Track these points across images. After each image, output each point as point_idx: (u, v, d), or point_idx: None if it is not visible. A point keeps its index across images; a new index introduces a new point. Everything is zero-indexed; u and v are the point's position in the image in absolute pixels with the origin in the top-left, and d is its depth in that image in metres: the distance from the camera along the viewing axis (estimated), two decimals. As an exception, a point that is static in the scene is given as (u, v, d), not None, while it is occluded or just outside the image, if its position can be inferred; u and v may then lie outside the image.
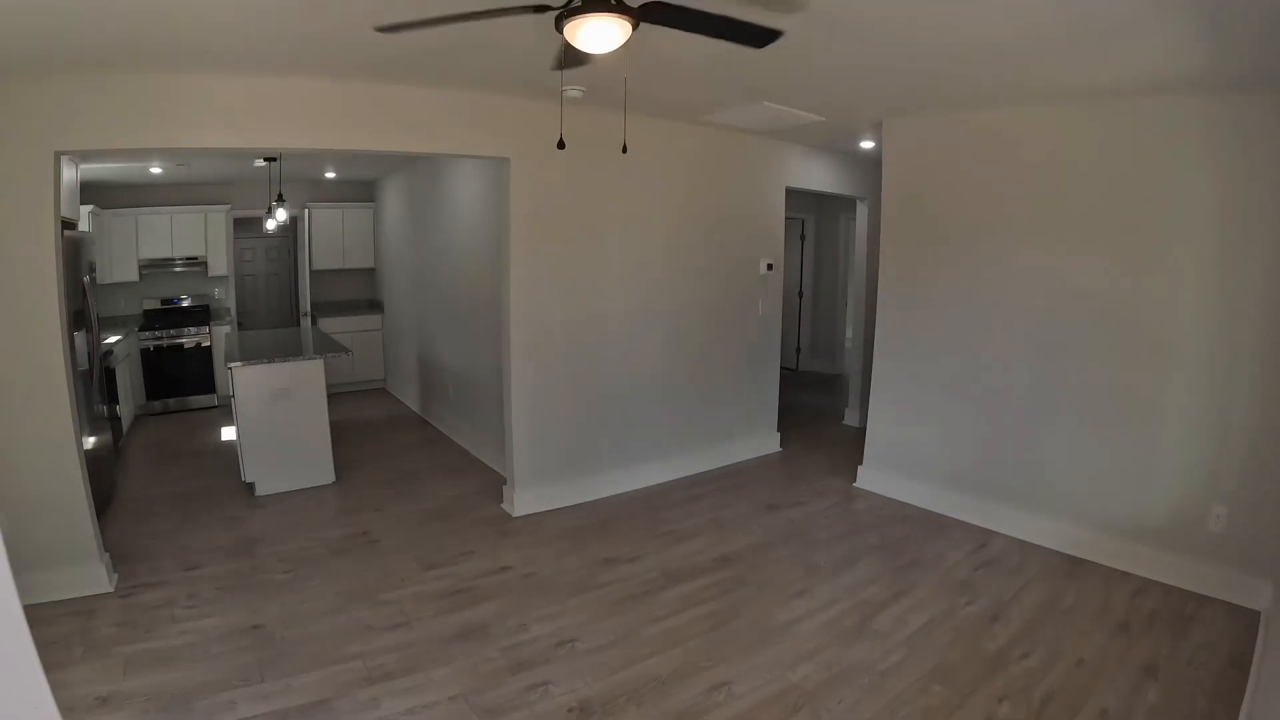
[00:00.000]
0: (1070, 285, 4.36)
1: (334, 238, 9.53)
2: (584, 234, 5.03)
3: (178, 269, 8.53)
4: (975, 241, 4.80)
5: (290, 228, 9.28)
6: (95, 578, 3.79)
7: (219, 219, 8.64)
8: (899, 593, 3.91)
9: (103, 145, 3.61)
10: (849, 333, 10.56)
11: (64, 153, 3.58)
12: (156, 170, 7.31)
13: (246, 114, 3.83)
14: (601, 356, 5.23)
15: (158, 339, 8.13)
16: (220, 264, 8.69)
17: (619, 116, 4.97)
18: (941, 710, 2.89)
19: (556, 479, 5.10)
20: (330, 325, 9.06)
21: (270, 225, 7.73)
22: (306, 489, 5.43)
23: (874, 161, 6.96)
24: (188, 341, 8.27)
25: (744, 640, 3.43)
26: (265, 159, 7.06)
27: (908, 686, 3.06)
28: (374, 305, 9.92)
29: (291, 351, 5.65)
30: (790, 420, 7.14)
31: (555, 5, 2.42)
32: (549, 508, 5.05)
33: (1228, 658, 3.28)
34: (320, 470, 5.54)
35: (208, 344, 8.35)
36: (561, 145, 3.12)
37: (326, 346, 5.96)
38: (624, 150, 3.41)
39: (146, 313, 8.51)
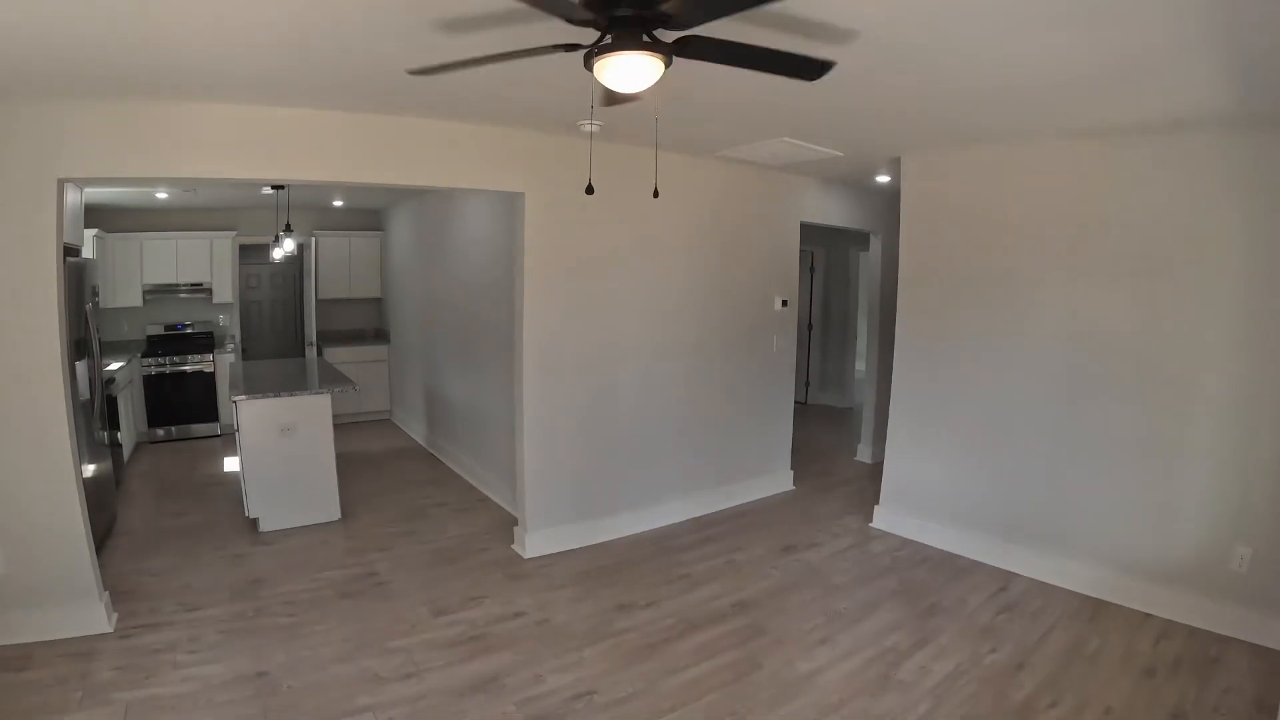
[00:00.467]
0: (1092, 323, 4.30)
1: (341, 266, 9.48)
2: (598, 269, 4.96)
3: (182, 295, 8.48)
4: (996, 279, 4.74)
5: (296, 255, 9.23)
6: (94, 617, 3.67)
7: (224, 245, 8.58)
8: (922, 640, 3.79)
9: (108, 173, 3.54)
10: (859, 365, 10.51)
11: (68, 180, 3.51)
12: (162, 195, 7.26)
13: (256, 145, 3.77)
14: (615, 394, 5.14)
15: (160, 365, 8.05)
16: (225, 290, 8.63)
17: (635, 150, 4.95)
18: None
19: (568, 519, 4.99)
20: (336, 355, 8.98)
21: (277, 255, 7.66)
22: (311, 526, 5.31)
23: (888, 195, 6.93)
24: (191, 369, 8.20)
25: (767, 693, 3.31)
26: (273, 186, 7.00)
27: (938, 743, 2.95)
28: (380, 335, 9.84)
29: (297, 385, 5.56)
30: (802, 456, 7.03)
31: (585, 43, 2.35)
32: (561, 549, 4.92)
33: (1254, 700, 3.21)
34: (326, 507, 5.42)
35: (211, 371, 8.26)
36: (590, 190, 3.03)
37: (333, 380, 5.87)
38: (655, 195, 3.31)
39: (150, 338, 8.45)
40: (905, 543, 5.19)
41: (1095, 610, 4.13)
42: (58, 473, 3.55)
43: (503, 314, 5.55)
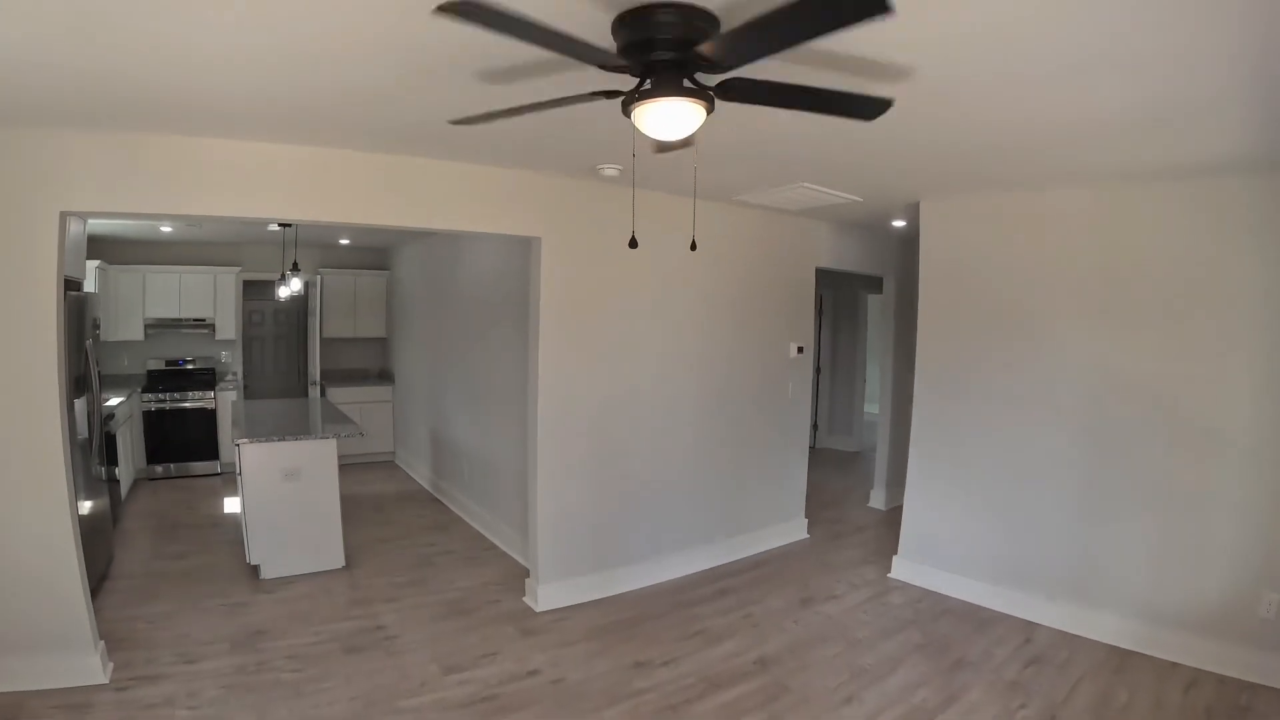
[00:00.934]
0: (1117, 370, 4.23)
1: (346, 305, 9.40)
2: (614, 316, 4.88)
3: (184, 330, 8.40)
4: (1017, 325, 4.68)
5: (301, 293, 9.15)
6: (89, 667, 3.52)
7: (229, 281, 8.51)
8: (950, 697, 3.66)
9: (113, 208, 3.46)
10: (868, 408, 10.41)
11: (70, 213, 3.42)
12: (167, 229, 7.20)
13: (265, 183, 3.69)
14: (630, 442, 5.03)
15: (161, 401, 7.95)
16: (228, 327, 8.53)
17: (653, 195, 4.91)
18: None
19: (581, 571, 4.84)
20: (339, 395, 8.86)
21: (284, 293, 7.58)
22: (315, 574, 5.16)
23: (902, 239, 6.90)
24: (191, 405, 8.09)
25: (796, 760, 3.16)
26: (280, 224, 6.93)
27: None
28: (384, 376, 9.74)
29: (301, 428, 5.44)
30: (814, 502, 6.89)
31: (625, 90, 2.26)
32: (574, 602, 4.76)
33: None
34: (330, 554, 5.27)
35: (212, 408, 8.15)
36: (634, 244, 2.92)
37: (338, 423, 5.75)
38: (693, 247, 3.22)
39: (150, 373, 8.35)
40: (925, 593, 5.05)
41: (1123, 661, 4.02)
42: (54, 517, 3.43)
43: (514, 357, 5.46)
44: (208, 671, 3.72)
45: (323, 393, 8.97)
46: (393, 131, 3.48)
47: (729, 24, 2.18)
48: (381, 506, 7.15)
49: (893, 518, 6.65)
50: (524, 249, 4.90)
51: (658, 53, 2.13)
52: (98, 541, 4.75)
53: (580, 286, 4.70)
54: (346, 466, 8.22)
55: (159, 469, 7.94)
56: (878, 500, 7.33)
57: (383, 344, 9.93)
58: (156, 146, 3.43)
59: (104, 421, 5.63)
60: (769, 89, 2.29)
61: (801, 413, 6.27)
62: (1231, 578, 3.85)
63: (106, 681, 3.54)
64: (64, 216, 3.36)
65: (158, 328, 8.21)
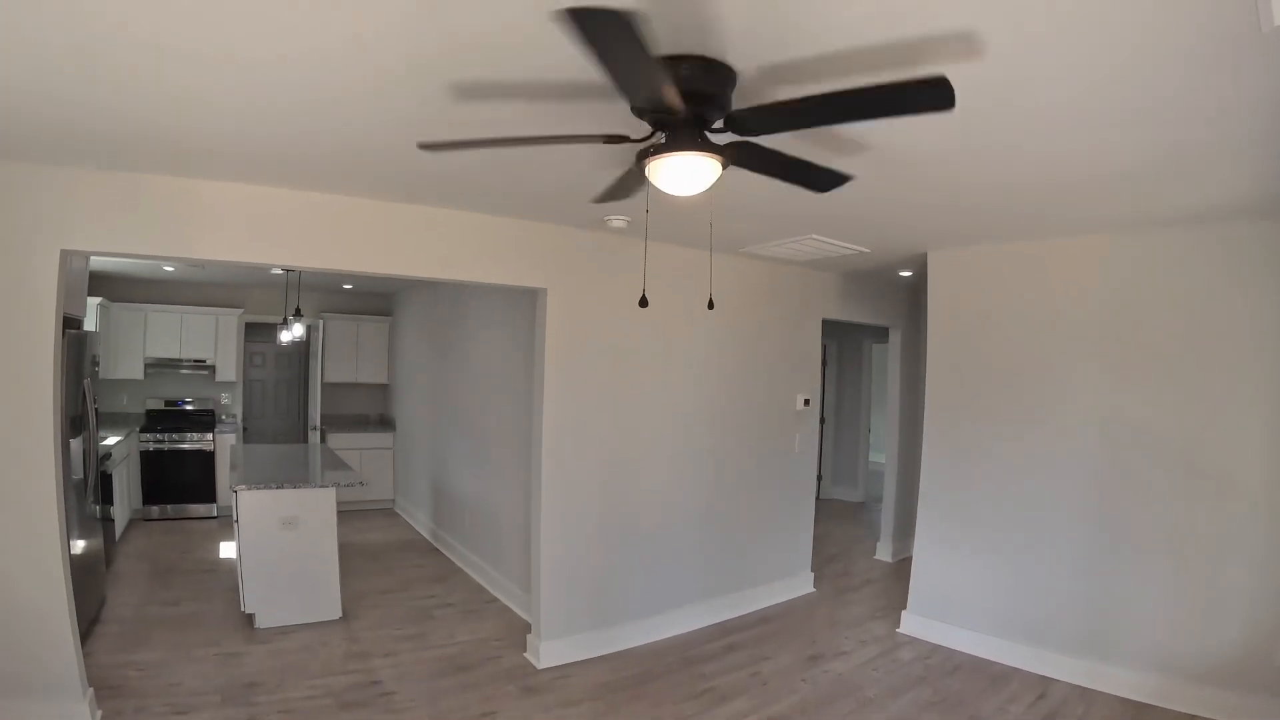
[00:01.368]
0: (1130, 419, 4.18)
1: (348, 350, 9.36)
2: (620, 368, 4.83)
3: (184, 370, 8.36)
4: (1026, 375, 4.64)
5: (304, 338, 9.12)
6: (77, 715, 3.40)
7: (230, 322, 8.48)
8: (966, 760, 3.53)
9: (114, 249, 3.43)
10: (873, 457, 10.30)
11: (71, 252, 3.38)
12: (169, 269, 7.19)
13: (268, 228, 3.67)
14: (635, 495, 4.95)
15: (159, 442, 7.89)
16: (229, 369, 8.49)
17: (661, 247, 4.89)
18: None
19: (585, 626, 4.71)
20: (340, 441, 8.76)
21: (285, 338, 7.55)
22: (311, 624, 5.02)
23: (909, 289, 6.89)
24: (190, 447, 8.01)
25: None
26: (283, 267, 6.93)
27: None
28: (385, 422, 9.66)
29: (301, 476, 5.35)
30: (820, 554, 6.78)
31: (635, 137, 2.23)
32: (577, 659, 4.63)
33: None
34: (327, 605, 5.14)
35: (211, 450, 8.07)
36: (644, 304, 2.87)
37: (338, 471, 5.67)
38: (710, 306, 3.18)
39: (149, 413, 8.31)
40: (935, 649, 4.92)
41: (1138, 714, 3.93)
42: (45, 560, 3.34)
43: (517, 409, 5.40)
44: (198, 727, 3.59)
45: (323, 438, 8.88)
46: (397, 178, 3.47)
47: (757, 87, 2.19)
48: (380, 556, 7.01)
49: (900, 570, 6.54)
50: (529, 300, 4.87)
51: (688, 103, 2.10)
52: (90, 583, 4.67)
53: (586, 338, 4.66)
54: (346, 514, 8.12)
55: (155, 510, 7.84)
56: (884, 552, 7.21)
57: (384, 390, 9.87)
58: (159, 187, 3.42)
59: (100, 461, 5.56)
60: (761, 154, 2.31)
61: (808, 465, 6.19)
62: (1248, 628, 3.77)
63: (94, 732, 3.41)
64: (65, 254, 3.33)
65: (158, 367, 8.18)
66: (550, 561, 4.57)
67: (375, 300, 9.74)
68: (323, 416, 9.17)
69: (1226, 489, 3.84)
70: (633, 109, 2.03)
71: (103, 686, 3.79)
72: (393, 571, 6.48)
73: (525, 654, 4.67)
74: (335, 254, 3.86)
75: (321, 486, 5.14)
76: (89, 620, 4.55)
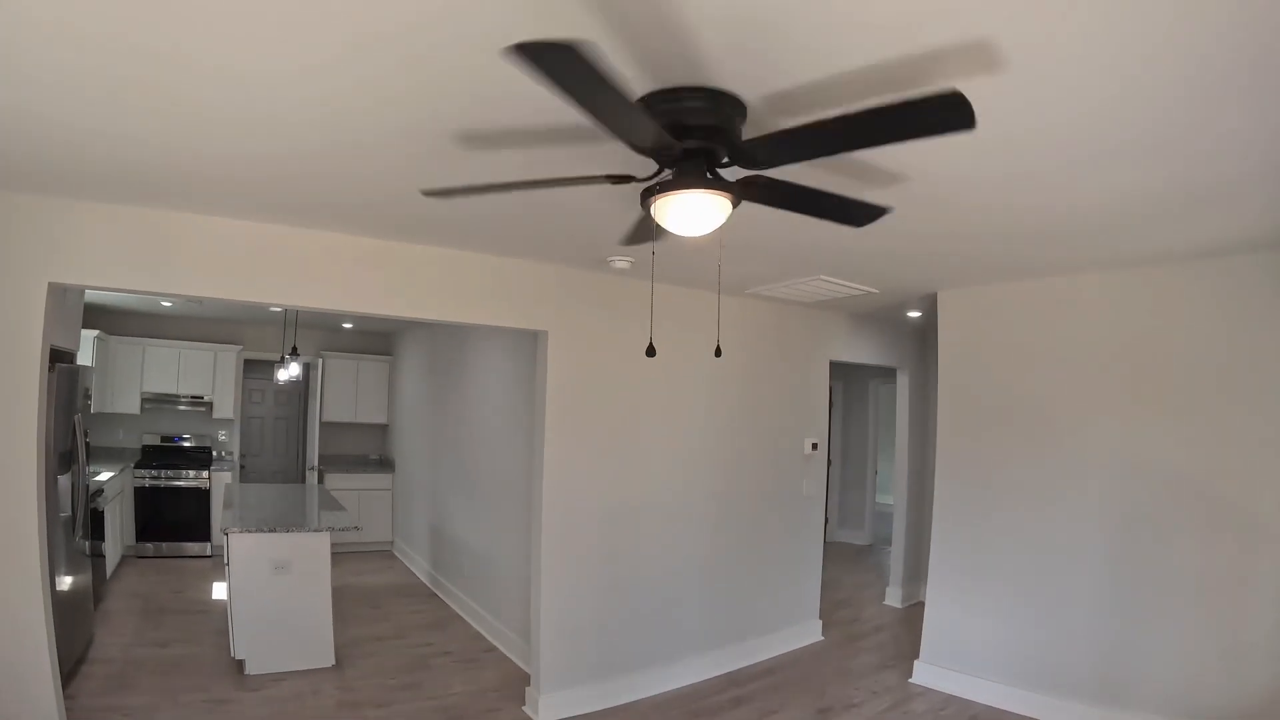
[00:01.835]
0: (1147, 459, 4.06)
1: (347, 389, 9.27)
2: (622, 412, 4.73)
3: (182, 406, 8.28)
4: (1041, 415, 4.52)
5: (303, 375, 9.03)
6: (57, 763, 3.25)
7: (229, 359, 8.41)
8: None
9: (104, 283, 3.36)
10: (880, 498, 10.14)
11: (59, 285, 3.30)
12: (167, 304, 7.11)
13: (262, 266, 3.60)
14: (638, 542, 4.81)
15: (155, 479, 7.78)
16: (226, 406, 8.40)
17: (667, 288, 4.82)
18: None
19: (586, 678, 4.54)
20: (338, 481, 8.63)
21: (282, 377, 7.45)
22: (303, 671, 4.85)
23: (916, 330, 6.81)
24: (185, 484, 7.88)
25: None
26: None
27: None
28: (385, 463, 9.53)
29: (294, 520, 5.21)
30: (828, 600, 6.60)
31: (640, 176, 2.14)
32: (578, 712, 4.45)
33: None
34: (319, 652, 4.98)
35: (207, 489, 7.93)
36: (651, 353, 2.75)
37: (334, 515, 5.54)
38: (717, 354, 3.05)
39: (145, 448, 8.22)
40: (949, 699, 4.75)
41: (1160, 767, 3.75)
42: (26, 603, 3.22)
43: (517, 453, 5.29)
44: (182, 781, 3.45)
45: (320, 478, 8.75)
46: (394, 217, 3.40)
47: (767, 117, 2.09)
48: (377, 600, 6.84)
49: (910, 615, 6.38)
50: (529, 341, 4.78)
51: (688, 140, 2.01)
52: (78, 621, 4.57)
53: (587, 381, 4.56)
54: (344, 555, 8.02)
55: (150, 547, 7.70)
56: (893, 597, 7.04)
57: (384, 430, 9.77)
58: (153, 220, 3.35)
59: (92, 497, 5.45)
60: (789, 191, 2.19)
61: (816, 511, 6.05)
62: (1271, 673, 3.62)
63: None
64: (53, 287, 3.25)
65: (155, 402, 8.10)
66: (550, 610, 4.42)
67: (376, 339, 9.67)
68: (321, 456, 9.05)
69: (1249, 529, 3.70)
70: (631, 146, 1.93)
71: (85, 735, 3.64)
72: (389, 617, 6.30)
73: (524, 707, 4.49)
74: (328, 293, 3.78)
75: (315, 531, 5.00)
76: (75, 660, 4.44)
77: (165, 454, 8.20)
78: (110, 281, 3.35)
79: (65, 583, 4.19)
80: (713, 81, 1.90)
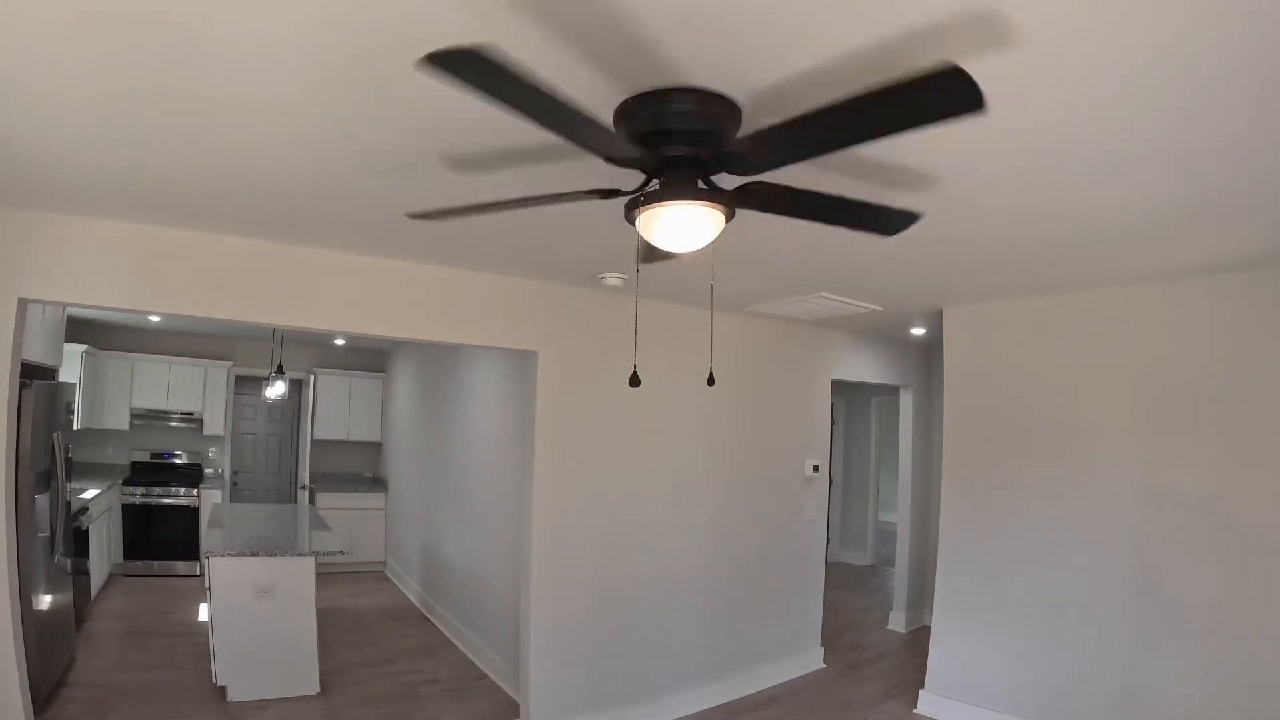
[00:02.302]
0: (1164, 483, 3.89)
1: (340, 407, 9.14)
2: (616, 433, 4.59)
3: (172, 423, 8.14)
4: (1052, 436, 4.37)
5: (294, 392, 8.89)
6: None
7: (220, 375, 8.30)
8: None
9: (77, 300, 3.25)
10: (883, 517, 9.98)
11: (30, 301, 3.17)
12: (155, 318, 6.98)
13: (240, 283, 3.49)
14: (633, 568, 4.65)
15: (145, 496, 7.63)
16: (217, 423, 8.28)
17: (663, 306, 4.71)
18: None
19: (578, 709, 4.38)
20: (329, 500, 8.47)
21: (269, 395, 7.32)
22: (286, 699, 4.69)
23: (921, 347, 6.67)
24: (175, 502, 7.73)
25: None
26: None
27: None
28: (378, 482, 9.39)
29: (279, 543, 5.04)
30: (830, 624, 6.43)
31: (627, 190, 1.98)
32: (570, 746, 4.30)
33: None
34: (304, 679, 4.81)
35: (196, 507, 7.78)
36: (635, 383, 2.58)
37: (321, 535, 5.40)
38: (710, 382, 2.90)
39: (134, 465, 8.09)
40: (956, 733, 4.58)
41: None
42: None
43: (509, 475, 5.14)
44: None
45: (311, 498, 8.60)
46: (378, 231, 3.27)
47: (761, 116, 1.93)
48: (367, 624, 6.66)
49: (914, 641, 6.21)
50: (521, 360, 4.64)
51: (672, 147, 1.86)
52: (58, 642, 4.47)
53: (580, 402, 4.43)
54: (335, 576, 7.85)
55: (137, 564, 7.54)
56: (897, 622, 6.87)
57: (377, 448, 9.63)
58: (129, 235, 3.23)
59: (75, 515, 5.32)
60: (793, 196, 2.02)
61: (818, 534, 5.90)
62: None
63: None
64: (22, 303, 3.13)
65: (145, 419, 7.98)
66: (540, 638, 4.26)
67: (369, 356, 9.54)
68: (313, 474, 8.90)
69: (1271, 554, 3.54)
70: (601, 156, 1.79)
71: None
72: (378, 642, 6.12)
73: (514, 740, 4.34)
74: (310, 311, 3.66)
75: (299, 555, 4.84)
76: (53, 683, 4.33)
77: (155, 471, 8.08)
78: (84, 298, 3.23)
79: (44, 602, 4.07)
80: (693, 80, 1.74)
